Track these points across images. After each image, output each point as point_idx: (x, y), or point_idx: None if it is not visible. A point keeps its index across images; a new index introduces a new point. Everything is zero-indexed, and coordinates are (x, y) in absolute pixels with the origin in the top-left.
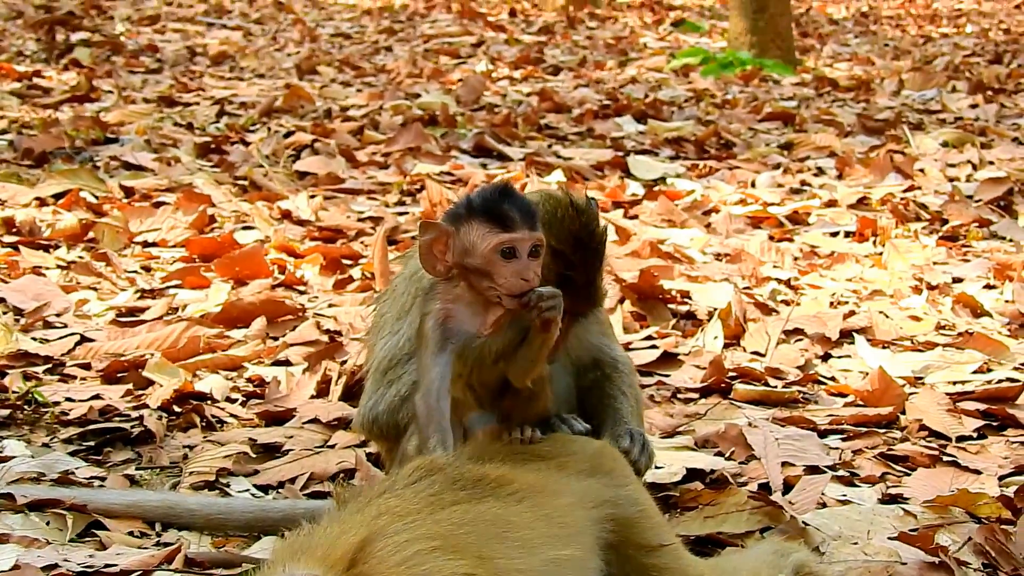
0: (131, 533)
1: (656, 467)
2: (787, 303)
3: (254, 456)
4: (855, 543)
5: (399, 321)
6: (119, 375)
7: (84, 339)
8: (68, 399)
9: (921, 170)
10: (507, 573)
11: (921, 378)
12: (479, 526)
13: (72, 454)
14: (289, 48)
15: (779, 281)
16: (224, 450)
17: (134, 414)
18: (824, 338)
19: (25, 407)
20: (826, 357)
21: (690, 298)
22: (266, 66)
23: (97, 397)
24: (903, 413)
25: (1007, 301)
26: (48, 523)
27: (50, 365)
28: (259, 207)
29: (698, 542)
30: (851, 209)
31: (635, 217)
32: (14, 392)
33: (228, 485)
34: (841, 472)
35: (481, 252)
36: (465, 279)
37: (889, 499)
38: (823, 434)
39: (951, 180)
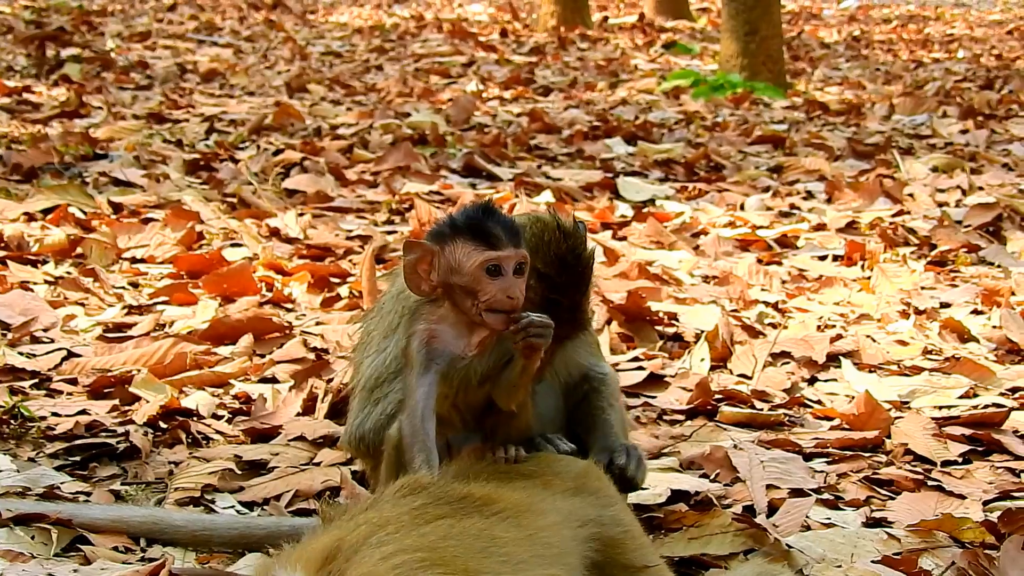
0: (116, 548)
1: (641, 488)
2: (774, 326)
3: (239, 473)
4: (839, 566)
5: (386, 339)
6: (106, 390)
7: (71, 354)
8: (54, 414)
9: (910, 195)
10: None
11: (907, 402)
12: (465, 540)
13: (58, 469)
14: (279, 66)
15: (767, 304)
16: (209, 466)
17: (120, 430)
18: (811, 361)
19: (11, 421)
20: (812, 380)
21: (677, 320)
22: (256, 84)
23: (83, 412)
24: (888, 437)
25: (994, 327)
26: (33, 537)
27: (37, 380)
28: (247, 224)
29: (682, 563)
30: (840, 233)
31: (624, 238)
32: (0, 406)
33: (213, 501)
34: (826, 495)
35: (467, 270)
36: (450, 298)
37: (873, 523)
38: (808, 457)
39: (940, 205)
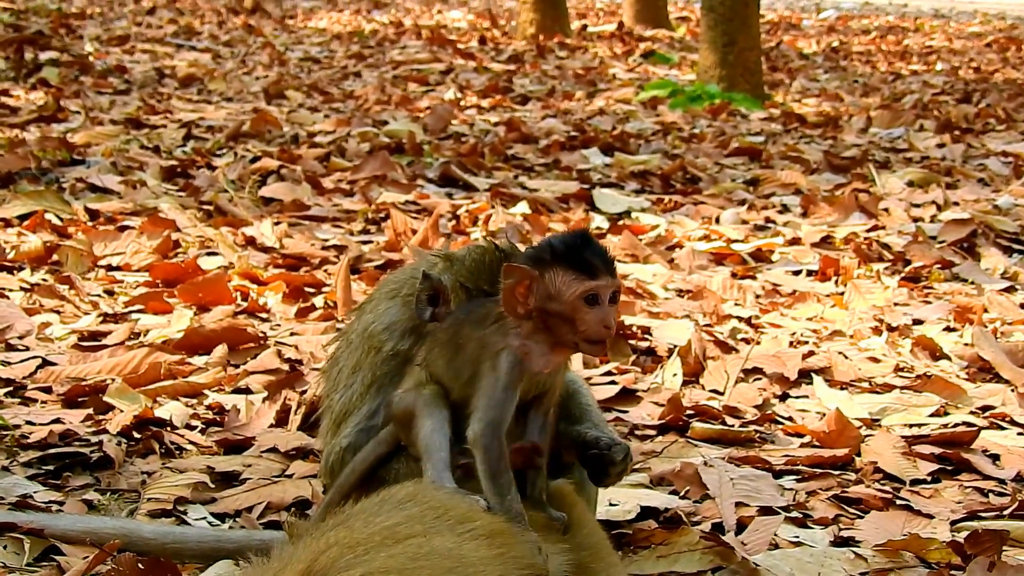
0: (87, 558)
1: (611, 504)
2: (747, 341)
3: (212, 484)
4: None
5: (353, 375)
6: (80, 399)
7: (46, 362)
8: (28, 422)
9: (886, 210)
10: None
11: (878, 420)
12: (433, 560)
13: (31, 478)
14: (258, 72)
15: (740, 319)
16: (182, 477)
17: (94, 439)
18: (783, 378)
19: None
20: (784, 397)
21: (651, 334)
22: (234, 89)
23: (57, 421)
24: (858, 455)
25: (966, 344)
26: (5, 547)
27: (11, 388)
28: (223, 233)
29: None
30: (814, 248)
31: None
32: None
33: (185, 512)
34: (795, 513)
35: (566, 298)
36: (542, 322)
37: (841, 542)
38: (778, 474)
39: (915, 220)
